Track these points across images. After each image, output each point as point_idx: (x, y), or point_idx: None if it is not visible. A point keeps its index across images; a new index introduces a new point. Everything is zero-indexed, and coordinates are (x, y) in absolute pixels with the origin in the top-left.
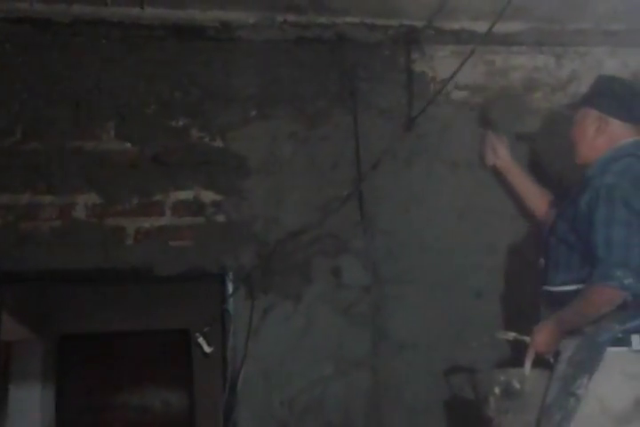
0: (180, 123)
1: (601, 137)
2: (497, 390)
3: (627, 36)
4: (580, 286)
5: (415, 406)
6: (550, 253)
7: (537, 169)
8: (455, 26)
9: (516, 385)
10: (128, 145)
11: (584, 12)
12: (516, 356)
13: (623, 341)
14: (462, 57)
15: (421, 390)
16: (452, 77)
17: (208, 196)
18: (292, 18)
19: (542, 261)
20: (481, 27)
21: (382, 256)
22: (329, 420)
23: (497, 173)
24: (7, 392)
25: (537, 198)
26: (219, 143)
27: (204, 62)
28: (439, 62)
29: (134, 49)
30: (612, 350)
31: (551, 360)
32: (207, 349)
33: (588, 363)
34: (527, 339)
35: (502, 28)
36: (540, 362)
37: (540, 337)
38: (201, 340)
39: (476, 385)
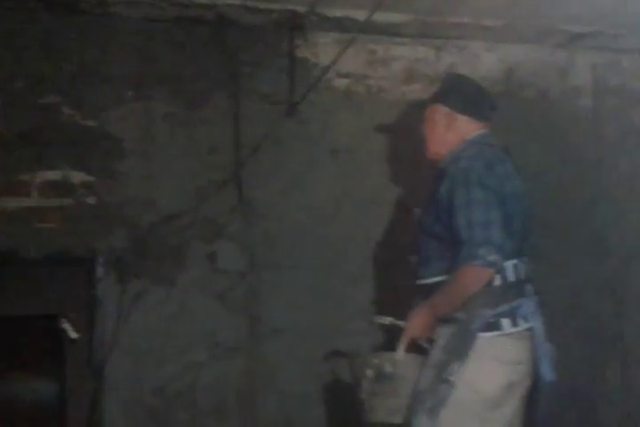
0: (51, 100)
1: (450, 132)
2: (369, 374)
3: (503, 32)
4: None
5: (289, 390)
6: (421, 250)
7: (395, 160)
8: (337, 13)
9: (388, 369)
10: None
11: (463, 7)
12: (392, 341)
13: (494, 325)
14: (345, 45)
15: (296, 374)
16: (332, 65)
17: (78, 177)
18: None
19: (415, 258)
20: (363, 15)
21: (260, 242)
22: (200, 406)
23: None
24: None
25: None
26: (92, 123)
27: (77, 37)
28: (322, 49)
29: (3, 20)
30: (483, 335)
31: (426, 346)
32: (73, 335)
33: (460, 350)
34: (402, 324)
35: (384, 18)
36: (415, 347)
37: (414, 322)
38: (66, 325)
39: (352, 369)
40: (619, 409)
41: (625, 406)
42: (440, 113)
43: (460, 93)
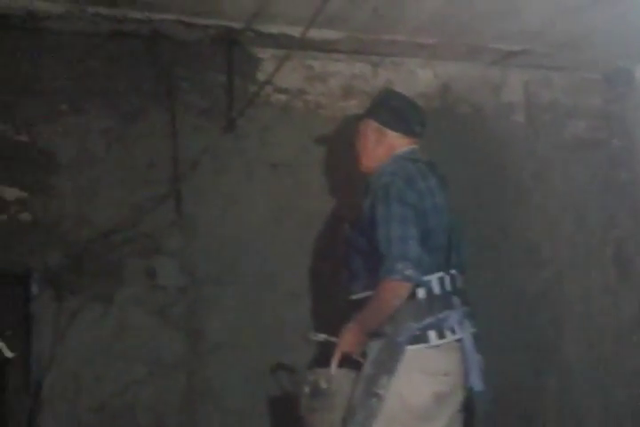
0: None
1: (380, 147)
2: (306, 390)
3: (437, 49)
4: None
5: (231, 405)
6: (349, 265)
7: (333, 174)
8: (273, 30)
9: (323, 385)
10: None
11: (397, 24)
12: (328, 356)
13: (421, 338)
14: (281, 61)
15: (237, 390)
16: (269, 80)
17: (12, 193)
18: (104, 11)
19: (345, 272)
20: (299, 32)
21: (199, 257)
22: (140, 424)
23: None
24: None
25: None
26: (24, 137)
27: (9, 51)
28: (259, 64)
29: None
30: (410, 348)
31: (361, 361)
32: (9, 354)
33: (388, 363)
34: (336, 340)
35: (320, 34)
36: (349, 363)
37: (345, 338)
38: (1, 344)
39: (292, 384)
40: (557, 419)
41: (563, 415)
42: (370, 128)
43: (390, 109)
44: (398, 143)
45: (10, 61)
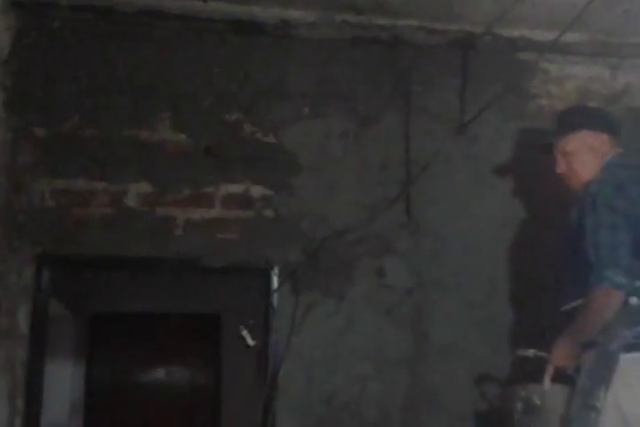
0: (234, 117)
1: (592, 156)
2: (519, 406)
3: None
4: None
5: (452, 410)
6: (558, 275)
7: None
8: (514, 33)
9: (537, 401)
10: (182, 136)
11: None
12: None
13: (636, 346)
14: (519, 64)
15: (458, 394)
16: (504, 85)
17: (258, 190)
18: (350, 18)
19: (555, 284)
20: (538, 35)
21: (427, 259)
22: (365, 418)
23: None
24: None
25: None
26: (271, 139)
27: (260, 58)
28: (494, 69)
29: (193, 41)
30: (626, 356)
31: (573, 375)
32: (251, 342)
33: (603, 373)
34: (545, 355)
35: (562, 37)
36: (561, 377)
37: (558, 352)
38: (245, 333)
39: (502, 399)
40: None
41: None
42: (583, 140)
43: (595, 114)
44: (608, 148)
45: (261, 67)
